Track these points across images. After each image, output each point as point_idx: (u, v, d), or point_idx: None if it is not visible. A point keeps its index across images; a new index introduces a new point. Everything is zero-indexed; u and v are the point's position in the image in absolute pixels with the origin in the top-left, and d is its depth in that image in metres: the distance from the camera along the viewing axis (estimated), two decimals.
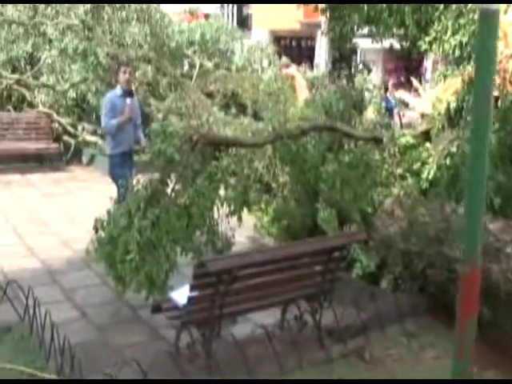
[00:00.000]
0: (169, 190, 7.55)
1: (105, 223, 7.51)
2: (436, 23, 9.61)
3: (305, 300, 7.05)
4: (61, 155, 16.49)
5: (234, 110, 16.26)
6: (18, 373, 6.07)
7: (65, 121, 16.52)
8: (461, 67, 9.39)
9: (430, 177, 8.82)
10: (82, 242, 8.25)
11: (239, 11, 38.51)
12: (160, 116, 14.78)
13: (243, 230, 8.59)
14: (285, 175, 9.54)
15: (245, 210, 8.46)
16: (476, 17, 8.88)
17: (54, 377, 5.98)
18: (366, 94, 10.31)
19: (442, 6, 9.36)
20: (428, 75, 29.95)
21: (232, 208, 8.09)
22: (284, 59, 19.13)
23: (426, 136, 9.47)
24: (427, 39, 9.55)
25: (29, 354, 6.45)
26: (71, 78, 16.53)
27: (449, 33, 9.21)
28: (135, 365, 5.56)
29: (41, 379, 6.06)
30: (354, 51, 30.20)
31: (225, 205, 8.01)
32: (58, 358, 6.00)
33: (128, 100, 10.17)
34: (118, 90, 10.29)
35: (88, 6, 16.55)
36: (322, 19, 29.41)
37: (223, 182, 7.99)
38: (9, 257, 9.41)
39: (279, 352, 6.37)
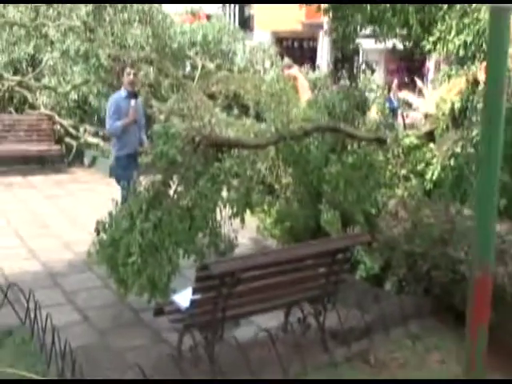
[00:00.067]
0: (171, 192, 7.49)
1: (106, 225, 7.44)
2: (440, 23, 9.55)
3: (308, 302, 7.00)
4: (62, 157, 16.47)
5: (236, 111, 16.21)
6: (18, 377, 6.00)
7: (66, 123, 16.48)
8: (465, 67, 9.33)
9: (434, 178, 8.77)
10: (84, 244, 8.16)
11: (241, 12, 38.44)
12: (162, 117, 14.72)
13: (246, 231, 8.53)
14: (288, 176, 9.49)
15: (247, 211, 8.37)
16: (480, 16, 8.84)
17: None
18: (370, 95, 10.22)
19: (445, 6, 9.30)
20: (430, 76, 29.89)
21: (235, 210, 8.02)
22: (286, 60, 19.08)
23: (430, 136, 9.41)
24: (431, 39, 9.49)
25: (30, 358, 6.38)
26: (73, 79, 16.52)
27: (453, 32, 9.16)
28: (137, 369, 5.49)
29: (41, 379, 5.98)
30: (356, 52, 30.11)
31: (227, 206, 7.94)
32: (59, 362, 5.94)
33: (132, 102, 10.12)
34: (123, 92, 10.23)
35: (90, 7, 16.51)
36: (324, 20, 29.36)
37: (226, 184, 7.92)
38: (10, 259, 9.35)
39: (283, 355, 6.29)
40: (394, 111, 14.84)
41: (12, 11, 17.15)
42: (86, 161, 16.60)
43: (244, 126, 12.51)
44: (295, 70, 18.15)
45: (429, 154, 9.15)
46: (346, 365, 6.65)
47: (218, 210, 7.78)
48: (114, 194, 7.83)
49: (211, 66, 18.14)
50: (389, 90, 15.66)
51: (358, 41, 11.29)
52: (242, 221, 8.15)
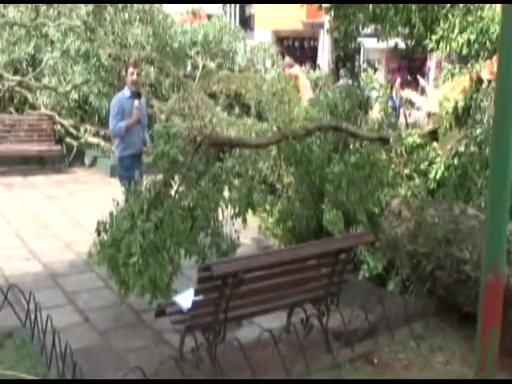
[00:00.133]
0: (172, 192, 7.43)
1: (107, 226, 7.40)
2: (443, 21, 9.50)
3: (311, 303, 6.93)
4: (63, 157, 16.42)
5: (237, 111, 16.19)
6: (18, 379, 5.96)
7: (67, 122, 16.42)
8: (469, 65, 9.27)
9: (438, 177, 8.70)
10: (85, 244, 8.16)
11: (241, 11, 38.46)
12: (163, 117, 14.68)
13: (248, 231, 8.46)
14: (289, 176, 9.43)
15: (249, 211, 8.31)
16: (484, 14, 8.79)
17: None
18: (373, 93, 10.16)
19: (448, 4, 9.24)
20: (431, 74, 29.89)
21: (237, 210, 7.96)
22: (287, 59, 19.06)
23: (433, 135, 9.34)
24: (434, 38, 9.43)
25: (30, 360, 6.32)
26: (73, 79, 16.46)
27: (456, 31, 9.10)
28: (138, 371, 5.43)
29: (42, 379, 5.96)
30: (357, 51, 30.14)
31: (229, 206, 7.88)
32: (60, 364, 5.88)
33: (136, 102, 10.03)
34: (127, 92, 10.14)
35: (90, 6, 16.49)
36: (325, 19, 29.38)
37: (227, 184, 7.88)
38: (10, 260, 9.31)
39: (285, 356, 6.24)
40: (396, 110, 14.80)
41: (12, 11, 17.12)
42: (87, 161, 16.55)
43: (245, 125, 12.49)
44: (296, 69, 18.13)
45: (432, 153, 9.08)
46: (350, 366, 6.60)
47: (219, 210, 7.73)
48: (114, 194, 7.76)
49: (212, 65, 18.11)
50: (391, 89, 15.60)
51: (359, 40, 11.22)
52: (244, 221, 8.09)
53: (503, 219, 3.27)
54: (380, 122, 9.73)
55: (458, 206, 7.74)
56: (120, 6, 17.02)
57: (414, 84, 24.53)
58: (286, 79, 12.56)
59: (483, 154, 8.12)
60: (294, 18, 34.29)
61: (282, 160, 9.29)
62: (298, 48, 39.20)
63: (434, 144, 9.25)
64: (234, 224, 7.89)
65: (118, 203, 7.39)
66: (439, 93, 9.87)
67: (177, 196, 7.41)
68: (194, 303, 5.91)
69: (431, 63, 30.28)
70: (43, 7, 17.06)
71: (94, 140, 16.19)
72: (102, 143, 15.97)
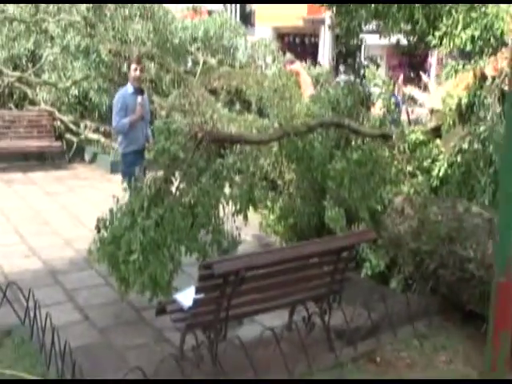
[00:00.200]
0: (173, 189, 7.37)
1: (107, 222, 7.34)
2: (446, 17, 9.43)
3: (313, 301, 6.87)
4: (63, 153, 16.31)
5: (238, 107, 16.13)
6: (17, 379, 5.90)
7: (67, 118, 16.34)
8: (472, 62, 9.20)
9: (441, 174, 8.63)
10: (85, 241, 8.10)
11: (242, 8, 38.39)
12: (163, 113, 14.61)
13: (249, 228, 8.38)
14: (291, 172, 9.37)
15: (250, 208, 8.25)
16: (488, 10, 8.73)
17: None
18: (376, 90, 10.08)
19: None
20: (433, 71, 29.84)
21: (238, 206, 7.89)
22: (288, 55, 18.99)
23: (437, 132, 9.27)
24: (437, 34, 9.36)
25: (29, 359, 6.25)
26: (73, 75, 16.37)
27: (460, 27, 9.03)
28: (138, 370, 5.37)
29: (41, 379, 5.88)
30: (357, 47, 30.06)
31: (230, 203, 7.82)
32: (59, 363, 5.81)
33: (139, 98, 9.98)
34: (130, 88, 10.07)
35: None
36: (326, 15, 29.30)
37: (228, 180, 7.82)
38: (10, 257, 9.24)
39: (287, 355, 6.18)
40: (398, 107, 14.73)
41: (12, 7, 17.02)
42: (87, 157, 16.47)
43: (246, 121, 12.44)
44: (297, 66, 18.06)
45: (435, 150, 9.01)
46: (352, 365, 6.54)
47: (220, 206, 7.67)
48: (115, 191, 7.70)
49: (213, 61, 18.04)
50: (394, 86, 15.53)
51: (361, 36, 11.14)
52: (245, 218, 8.03)
53: None
54: (382, 119, 9.65)
55: (462, 204, 7.68)
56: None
57: (415, 80, 24.49)
58: (287, 75, 12.50)
59: (487, 151, 8.05)
60: (294, 15, 34.26)
61: (284, 156, 9.23)
62: (299, 44, 39.17)
63: (437, 141, 9.18)
64: (235, 221, 7.83)
65: (118, 200, 7.33)
66: (442, 89, 9.79)
67: (177, 193, 7.35)
68: (195, 301, 5.84)
69: (432, 59, 30.23)
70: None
71: (94, 136, 16.12)
72: (102, 139, 15.92)
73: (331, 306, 6.85)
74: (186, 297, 6.15)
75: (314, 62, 25.42)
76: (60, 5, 16.76)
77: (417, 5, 9.58)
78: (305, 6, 33.22)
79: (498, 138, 7.91)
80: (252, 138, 8.60)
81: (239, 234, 7.81)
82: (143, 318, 7.52)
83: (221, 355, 6.04)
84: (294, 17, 34.60)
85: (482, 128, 8.27)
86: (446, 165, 8.63)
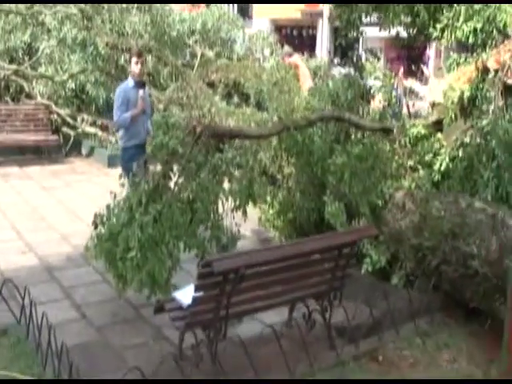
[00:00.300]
0: (171, 184, 7.27)
1: (104, 218, 7.24)
2: (447, 9, 9.34)
3: (314, 298, 6.78)
4: (60, 147, 16.19)
5: (236, 100, 16.04)
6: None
7: (64, 112, 16.22)
8: (474, 54, 9.10)
9: (443, 168, 8.52)
10: (82, 236, 8.05)
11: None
12: (161, 106, 14.50)
13: (248, 223, 8.26)
14: (290, 167, 9.27)
15: (250, 203, 8.15)
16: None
17: None
18: (377, 83, 9.97)
19: None
20: (431, 63, 29.74)
21: (237, 202, 7.79)
22: (286, 48, 18.86)
23: (438, 126, 9.16)
24: (439, 26, 9.26)
25: (25, 359, 6.13)
26: (70, 68, 16.24)
27: (461, 19, 8.93)
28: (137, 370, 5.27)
29: (40, 379, 5.78)
30: (356, 40, 29.98)
31: (229, 198, 7.72)
32: (56, 363, 5.70)
33: (141, 92, 9.88)
34: (130, 82, 9.96)
35: None
36: (324, 8, 29.16)
37: (227, 175, 7.72)
38: (6, 253, 9.13)
39: (288, 353, 6.08)
40: (399, 100, 14.63)
41: None
42: (84, 151, 16.36)
43: (244, 114, 12.34)
44: (296, 58, 17.94)
45: (437, 144, 8.90)
46: (354, 364, 6.43)
47: (219, 202, 7.58)
48: (112, 185, 7.60)
49: (211, 54, 17.93)
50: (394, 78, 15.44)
51: (361, 28, 11.03)
52: (245, 213, 7.93)
53: None
54: (382, 112, 9.56)
55: (465, 199, 7.56)
56: None
57: (415, 73, 24.39)
58: (286, 68, 12.38)
59: (489, 145, 7.94)
60: (292, 7, 34.21)
61: (283, 151, 9.14)
62: (297, 37, 39.16)
63: (439, 135, 9.07)
64: (234, 217, 7.73)
65: (115, 195, 7.23)
66: (444, 83, 9.68)
67: (176, 188, 7.26)
68: (195, 299, 5.74)
69: (431, 52, 30.14)
70: None
71: (91, 130, 16.01)
72: (100, 133, 15.82)
73: (332, 303, 6.75)
74: (185, 295, 6.06)
75: (313, 54, 25.33)
76: None
77: None
78: None
79: (501, 131, 7.82)
80: (252, 133, 8.50)
81: (238, 230, 7.72)
82: (141, 315, 7.42)
83: (220, 354, 5.95)
84: (292, 9, 34.56)
85: (484, 122, 8.16)
86: (447, 159, 8.53)
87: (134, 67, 9.98)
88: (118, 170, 9.53)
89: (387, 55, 33.10)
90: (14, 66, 16.63)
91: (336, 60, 27.48)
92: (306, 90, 12.02)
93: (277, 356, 6.05)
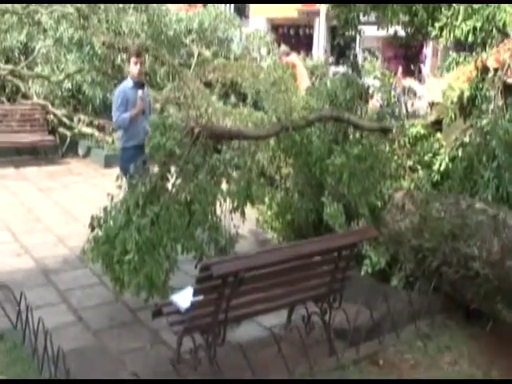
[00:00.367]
0: (169, 186, 7.20)
1: (101, 221, 7.17)
2: (445, 8, 9.28)
3: (313, 301, 6.70)
4: (56, 148, 16.13)
5: (233, 100, 15.97)
6: None
7: (60, 112, 16.17)
8: (474, 54, 9.04)
9: (442, 168, 8.45)
10: (79, 238, 8.01)
11: None
12: (158, 106, 14.43)
13: (246, 224, 8.20)
14: (288, 167, 9.21)
15: (248, 204, 8.08)
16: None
17: None
18: (375, 82, 9.92)
19: None
20: (428, 62, 29.69)
21: (235, 203, 7.73)
22: (283, 47, 18.82)
23: (437, 126, 9.09)
24: (437, 25, 9.20)
25: (21, 365, 6.04)
26: (66, 68, 16.21)
27: (460, 18, 8.87)
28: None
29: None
30: (353, 39, 29.93)
31: (228, 200, 7.65)
32: (52, 368, 5.62)
33: (140, 92, 9.81)
34: (129, 82, 9.89)
35: None
36: (321, 7, 29.06)
37: (225, 176, 7.66)
38: (1, 256, 9.07)
39: (287, 357, 5.99)
40: (398, 100, 14.58)
41: None
42: (81, 151, 16.31)
43: (241, 114, 12.28)
44: (294, 58, 17.87)
45: (436, 144, 8.84)
46: (354, 367, 6.35)
47: (217, 203, 7.50)
48: (109, 186, 7.54)
49: (207, 53, 17.86)
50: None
51: (359, 27, 10.95)
52: (243, 215, 7.87)
53: None
54: (379, 112, 9.50)
55: (465, 200, 7.49)
56: None
57: (413, 72, 24.35)
58: (283, 68, 12.31)
59: (490, 145, 7.87)
60: (289, 6, 34.14)
61: (281, 151, 9.07)
62: (294, 36, 39.11)
63: (438, 135, 9.01)
64: (232, 219, 7.66)
65: (112, 197, 7.16)
66: (442, 82, 9.61)
67: (174, 190, 7.18)
68: (193, 304, 5.66)
69: (428, 51, 30.08)
70: None
71: (88, 130, 15.97)
72: (96, 133, 15.77)
73: (332, 306, 6.68)
74: (183, 298, 5.97)
75: (310, 53, 25.30)
76: None
77: None
78: None
79: (501, 131, 7.76)
80: (250, 134, 8.42)
81: (237, 232, 7.66)
82: (139, 318, 7.36)
83: (219, 358, 5.86)
84: (289, 8, 34.50)
85: (484, 121, 8.09)
86: (447, 159, 8.46)
87: (133, 67, 9.91)
88: (115, 171, 9.44)
89: (384, 54, 33.03)
90: (10, 66, 16.59)
91: (331, 59, 27.38)
92: (304, 89, 11.97)
93: (276, 359, 5.98)
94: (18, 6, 16.65)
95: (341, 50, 31.49)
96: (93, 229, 7.21)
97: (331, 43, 34.48)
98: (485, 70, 8.56)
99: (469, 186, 8.02)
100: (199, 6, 21.73)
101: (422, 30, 10.26)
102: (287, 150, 8.89)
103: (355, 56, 28.13)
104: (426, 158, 8.75)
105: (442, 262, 7.25)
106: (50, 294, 7.93)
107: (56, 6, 16.17)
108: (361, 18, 10.54)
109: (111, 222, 7.02)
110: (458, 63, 9.25)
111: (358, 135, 9.06)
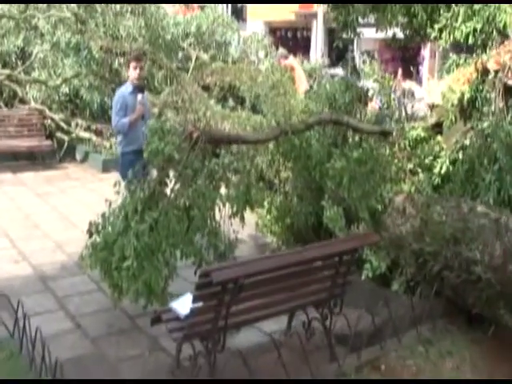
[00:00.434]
0: (168, 191, 7.14)
1: (100, 227, 7.10)
2: (444, 10, 9.24)
3: (314, 306, 6.63)
4: (54, 152, 16.05)
5: (231, 103, 15.92)
6: None
7: (58, 117, 16.08)
8: (474, 55, 8.99)
9: (443, 171, 8.40)
10: (77, 244, 7.92)
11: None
12: (156, 110, 14.36)
13: (245, 228, 8.15)
14: (288, 171, 9.16)
15: (247, 209, 8.03)
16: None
17: None
18: (375, 85, 9.87)
19: None
20: (425, 64, 29.68)
21: (234, 208, 7.67)
22: (281, 50, 18.78)
23: (437, 128, 9.05)
24: (437, 27, 9.15)
25: (18, 375, 5.97)
26: (64, 72, 16.14)
27: (460, 19, 8.82)
28: None
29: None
30: (351, 41, 29.94)
31: (227, 205, 7.59)
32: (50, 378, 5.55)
33: (139, 96, 9.75)
34: (129, 87, 9.83)
35: None
36: (319, 9, 28.99)
37: (224, 181, 7.60)
38: None
39: (288, 364, 5.89)
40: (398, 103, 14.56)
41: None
42: (78, 156, 16.20)
43: (240, 118, 12.22)
44: (292, 60, 17.83)
45: (436, 146, 8.79)
46: (356, 375, 6.28)
47: (216, 208, 7.44)
48: (107, 191, 7.48)
49: (205, 57, 17.80)
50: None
51: (358, 30, 10.91)
52: (242, 219, 7.81)
53: None
54: (379, 115, 9.46)
55: (467, 204, 7.43)
56: None
57: (410, 74, 24.30)
58: (282, 71, 12.26)
59: (491, 147, 7.82)
60: (286, 9, 34.12)
61: (280, 155, 9.02)
62: (291, 38, 39.11)
63: (439, 137, 8.96)
64: (232, 224, 7.60)
65: (110, 203, 7.10)
66: (442, 84, 9.57)
67: (172, 195, 7.12)
68: (193, 310, 5.60)
69: (425, 53, 30.07)
70: None
71: (86, 135, 15.87)
72: (94, 138, 15.68)
73: (332, 311, 6.62)
74: (183, 305, 5.92)
75: (307, 55, 25.28)
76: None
77: None
78: None
79: (503, 134, 7.71)
80: (249, 138, 8.37)
81: (236, 237, 7.60)
82: (137, 325, 7.29)
83: (219, 365, 5.79)
84: (286, 11, 34.48)
85: (485, 124, 8.04)
86: (447, 162, 8.41)
87: (133, 72, 9.85)
88: (113, 176, 9.41)
89: (381, 56, 33.01)
90: (7, 71, 16.49)
91: (327, 60, 27.34)
92: (302, 92, 11.93)
93: (276, 366, 5.89)
94: (14, 11, 16.60)
95: (339, 52, 31.51)
96: (91, 235, 7.16)
97: (329, 45, 34.48)
98: (485, 71, 8.52)
99: (470, 189, 7.97)
100: (197, 8, 21.69)
101: (420, 31, 10.20)
102: (286, 153, 8.83)
103: (353, 59, 28.15)
104: (427, 160, 8.69)
105: (443, 266, 7.19)
106: (47, 301, 7.86)
107: (53, 11, 16.11)
108: (359, 20, 10.50)
109: (109, 228, 6.96)
110: (458, 65, 9.19)
111: (357, 138, 9.00)
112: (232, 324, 5.96)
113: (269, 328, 6.79)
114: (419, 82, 20.82)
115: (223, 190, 7.65)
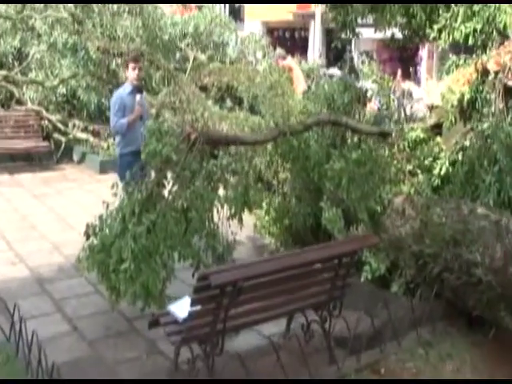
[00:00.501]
0: (165, 192, 7.09)
1: (97, 229, 7.05)
2: (443, 10, 9.21)
3: (313, 309, 6.59)
4: (51, 154, 15.96)
5: (229, 104, 15.87)
6: None
7: (55, 118, 16.02)
8: (474, 56, 8.95)
9: (442, 173, 8.37)
10: (74, 246, 7.90)
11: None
12: (153, 111, 14.31)
13: (243, 229, 8.09)
14: (286, 172, 9.12)
15: (245, 210, 7.98)
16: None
17: None
18: (374, 86, 9.84)
19: None
20: (423, 65, 29.67)
21: (232, 210, 7.62)
22: (279, 50, 18.73)
23: (437, 129, 9.02)
24: (436, 27, 9.12)
25: (15, 379, 5.93)
26: (61, 73, 16.08)
27: (459, 20, 8.78)
28: None
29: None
30: (349, 41, 29.93)
31: (225, 206, 7.54)
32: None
33: (138, 97, 9.70)
34: (127, 88, 9.78)
35: None
36: (316, 9, 28.96)
37: (222, 182, 7.56)
38: None
39: (287, 367, 5.84)
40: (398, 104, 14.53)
41: None
42: (75, 157, 16.15)
43: (237, 118, 12.18)
44: (290, 61, 17.79)
45: (436, 147, 8.76)
46: (355, 376, 6.23)
47: (214, 210, 7.41)
48: (104, 192, 7.43)
49: (203, 57, 17.76)
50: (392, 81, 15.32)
51: (357, 30, 10.87)
52: (240, 221, 7.77)
53: None
54: (377, 115, 9.42)
55: (467, 205, 7.38)
56: None
57: (409, 74, 24.30)
58: (279, 71, 12.21)
59: (491, 148, 7.78)
60: (284, 9, 34.11)
61: (279, 156, 8.97)
62: (289, 38, 39.10)
63: (438, 138, 8.93)
64: (230, 226, 7.56)
65: (107, 205, 7.05)
66: (442, 85, 9.53)
67: (170, 197, 7.08)
68: (191, 314, 5.55)
69: (423, 53, 30.07)
70: None
71: (83, 135, 15.83)
72: (91, 139, 15.63)
73: (332, 314, 6.58)
74: (181, 308, 5.87)
75: (305, 55, 25.26)
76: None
77: None
78: None
79: (503, 135, 7.67)
80: (247, 139, 8.32)
81: (234, 239, 7.55)
82: (135, 328, 7.24)
83: (217, 368, 5.74)
84: (284, 11, 34.46)
85: (485, 125, 8.01)
86: (447, 163, 8.38)
87: (131, 73, 9.80)
88: (110, 177, 9.36)
89: (379, 56, 33.00)
90: (3, 72, 16.41)
91: (324, 60, 27.34)
92: (300, 93, 11.89)
93: (275, 368, 5.84)
94: (11, 11, 16.53)
95: (337, 52, 31.47)
96: (88, 237, 7.12)
97: (327, 46, 34.47)
98: (485, 72, 8.50)
99: (470, 191, 7.94)
100: (194, 8, 21.64)
101: (419, 32, 10.17)
102: (285, 154, 8.79)
103: (352, 59, 28.13)
104: (426, 162, 8.67)
105: (443, 268, 7.14)
106: (44, 304, 7.81)
107: (50, 11, 16.06)
108: (358, 20, 10.47)
109: (107, 230, 6.94)
110: (457, 66, 9.16)
111: (356, 139, 8.97)
112: (231, 327, 5.92)
113: (268, 331, 6.73)
114: (417, 82, 20.78)
115: (221, 192, 7.62)
